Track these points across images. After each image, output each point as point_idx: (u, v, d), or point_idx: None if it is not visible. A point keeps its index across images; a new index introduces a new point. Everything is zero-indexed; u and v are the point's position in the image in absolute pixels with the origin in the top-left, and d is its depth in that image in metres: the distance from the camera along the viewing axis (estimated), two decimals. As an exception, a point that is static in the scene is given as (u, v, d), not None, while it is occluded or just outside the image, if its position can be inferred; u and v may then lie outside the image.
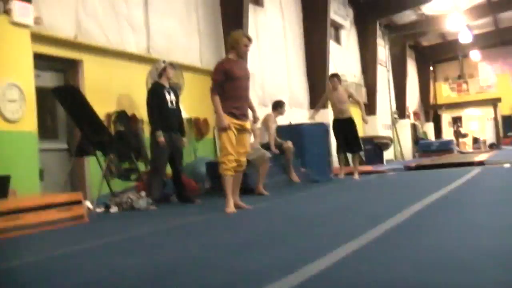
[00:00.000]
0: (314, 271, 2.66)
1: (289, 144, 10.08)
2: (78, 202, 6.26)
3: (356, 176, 10.94)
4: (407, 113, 26.11)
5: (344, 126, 10.95)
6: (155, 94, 7.69)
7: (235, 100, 6.68)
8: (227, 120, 6.56)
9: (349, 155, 12.16)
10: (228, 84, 6.65)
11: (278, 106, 10.36)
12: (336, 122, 11.08)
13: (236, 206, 6.60)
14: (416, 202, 5.62)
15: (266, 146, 9.71)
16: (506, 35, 31.64)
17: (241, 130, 6.71)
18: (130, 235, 4.87)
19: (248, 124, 6.86)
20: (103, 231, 5.43)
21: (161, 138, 7.56)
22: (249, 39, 6.87)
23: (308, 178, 10.61)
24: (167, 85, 7.83)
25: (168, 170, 8.12)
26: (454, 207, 5.40)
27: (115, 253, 3.92)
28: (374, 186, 9.68)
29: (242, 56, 6.91)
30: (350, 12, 20.07)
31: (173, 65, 7.98)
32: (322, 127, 11.65)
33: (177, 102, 7.92)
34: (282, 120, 11.08)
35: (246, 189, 8.77)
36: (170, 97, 7.77)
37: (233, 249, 3.66)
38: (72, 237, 5.14)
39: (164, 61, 7.97)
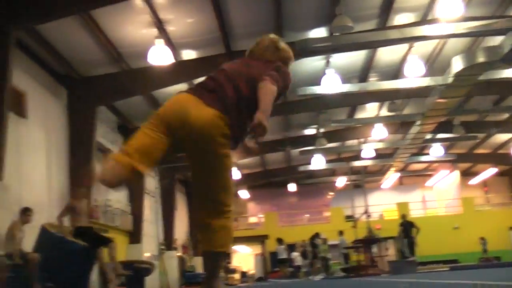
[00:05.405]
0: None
1: (34, 255, 9.49)
2: None
3: None
4: (174, 245, 26.07)
5: None
6: None
7: None
8: None
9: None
10: None
11: (24, 214, 9.83)
12: None
13: None
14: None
15: (10, 257, 9.07)
16: (273, 176, 33.65)
17: None
18: None
19: None
20: None
21: None
22: None
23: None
24: None
25: None
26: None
27: None
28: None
29: None
30: (120, 138, 20.05)
31: None
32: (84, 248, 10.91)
33: None
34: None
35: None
36: None
37: None
38: None
39: None
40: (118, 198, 19.69)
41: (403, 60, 18.00)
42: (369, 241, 19.13)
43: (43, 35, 13.64)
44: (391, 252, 24.66)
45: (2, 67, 11.57)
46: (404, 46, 17.16)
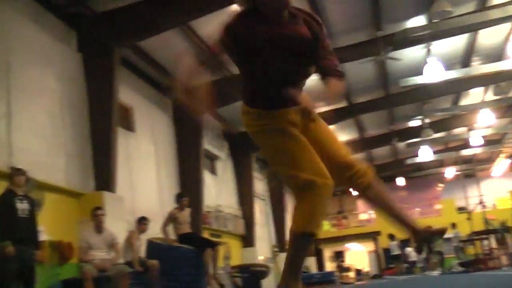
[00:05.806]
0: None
1: (153, 262, 9.76)
2: None
3: None
4: (286, 246, 26.12)
5: None
6: (3, 201, 7.27)
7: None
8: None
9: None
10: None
11: (141, 223, 10.13)
12: None
13: None
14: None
15: (130, 265, 9.38)
16: (380, 171, 33.16)
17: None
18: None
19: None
20: None
21: (9, 249, 7.04)
22: None
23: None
24: (20, 193, 7.44)
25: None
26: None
27: None
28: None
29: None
30: (225, 144, 20.33)
31: (20, 171, 7.55)
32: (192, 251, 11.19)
33: (31, 212, 7.50)
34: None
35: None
36: (22, 206, 7.34)
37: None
38: None
39: (11, 168, 7.66)
40: (229, 203, 19.98)
41: (506, 40, 17.40)
42: (495, 232, 18.42)
43: (144, 50, 14.05)
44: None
45: (109, 85, 12.03)
46: (507, 26, 16.53)
